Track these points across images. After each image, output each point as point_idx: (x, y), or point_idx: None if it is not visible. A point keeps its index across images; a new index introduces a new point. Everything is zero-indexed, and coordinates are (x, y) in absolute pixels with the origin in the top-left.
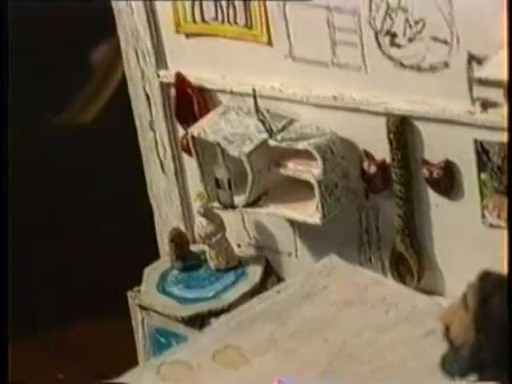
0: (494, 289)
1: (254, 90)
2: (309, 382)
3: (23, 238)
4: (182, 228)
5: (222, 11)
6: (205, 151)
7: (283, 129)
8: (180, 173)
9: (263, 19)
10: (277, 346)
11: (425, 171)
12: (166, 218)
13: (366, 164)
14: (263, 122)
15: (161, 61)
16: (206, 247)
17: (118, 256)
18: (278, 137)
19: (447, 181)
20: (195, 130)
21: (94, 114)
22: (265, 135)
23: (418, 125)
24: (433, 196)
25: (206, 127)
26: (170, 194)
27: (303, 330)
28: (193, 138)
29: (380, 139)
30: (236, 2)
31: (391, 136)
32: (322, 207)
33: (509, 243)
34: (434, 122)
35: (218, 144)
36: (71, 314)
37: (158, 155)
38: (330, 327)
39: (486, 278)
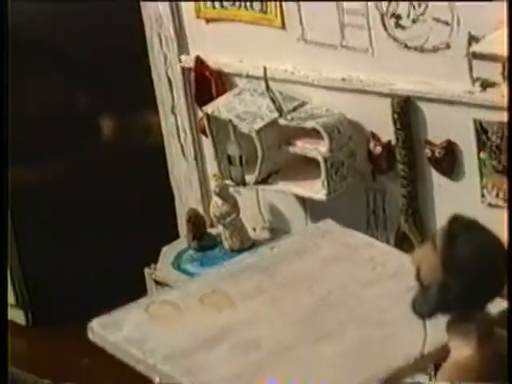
0: (460, 229)
1: (265, 68)
2: (289, 325)
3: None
4: (201, 210)
5: None
6: (219, 129)
7: (294, 110)
8: (199, 157)
9: (277, 4)
10: (263, 294)
11: (427, 151)
12: (186, 200)
13: (372, 145)
14: (273, 101)
15: (183, 46)
16: (221, 229)
17: (139, 237)
18: (288, 116)
19: (449, 161)
20: (210, 108)
21: None
22: (275, 114)
23: (421, 105)
24: (435, 176)
25: (221, 106)
26: (190, 178)
27: (290, 281)
28: (207, 116)
29: (385, 120)
30: None
31: (395, 116)
32: (328, 184)
33: (509, 222)
34: (436, 103)
35: (231, 121)
36: (94, 299)
37: (179, 139)
38: (317, 279)
39: (454, 220)
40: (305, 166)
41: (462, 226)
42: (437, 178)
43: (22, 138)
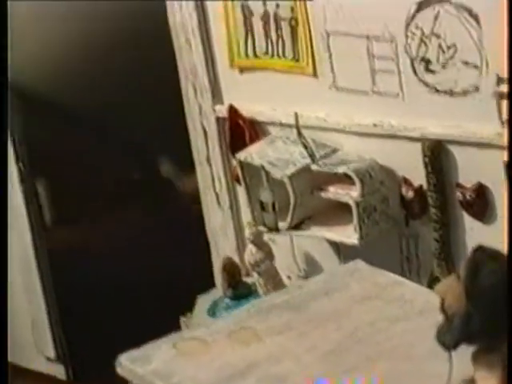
0: (484, 259)
1: (296, 114)
2: (316, 359)
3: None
4: (237, 259)
5: (272, 46)
6: (252, 176)
7: (326, 156)
8: (234, 205)
9: (309, 52)
10: (291, 330)
11: (459, 194)
12: (222, 249)
13: (404, 189)
14: (305, 147)
15: (217, 96)
16: (256, 277)
17: (176, 285)
18: (320, 162)
19: (480, 204)
20: (243, 155)
21: None
22: (308, 160)
23: (452, 148)
24: (467, 219)
25: (254, 153)
26: (225, 227)
27: (318, 318)
28: (240, 163)
29: (417, 165)
30: (285, 37)
31: (426, 160)
32: (360, 228)
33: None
34: (466, 145)
35: (263, 167)
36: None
37: (215, 189)
38: (345, 316)
39: (478, 250)
40: (337, 212)
41: (485, 256)
42: (469, 222)
43: (65, 201)
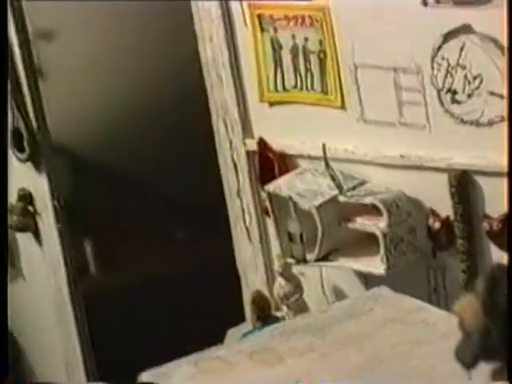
0: (502, 275)
1: (324, 146)
2: (338, 380)
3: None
4: (266, 293)
5: (301, 79)
6: (280, 208)
7: (354, 188)
8: (264, 239)
9: (337, 84)
10: (313, 351)
11: (485, 225)
12: (252, 282)
13: (431, 220)
14: (333, 178)
15: (247, 130)
16: (285, 310)
17: (206, 318)
18: (348, 194)
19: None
20: (271, 186)
21: None
22: (335, 192)
23: (478, 179)
24: (494, 250)
25: (282, 184)
26: (255, 260)
27: (341, 340)
28: (269, 194)
29: (444, 196)
30: (313, 70)
31: (453, 190)
32: (387, 259)
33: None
34: (493, 176)
35: (291, 198)
36: None
37: (245, 223)
38: (368, 339)
39: (497, 267)
40: (364, 243)
41: (503, 272)
42: (496, 252)
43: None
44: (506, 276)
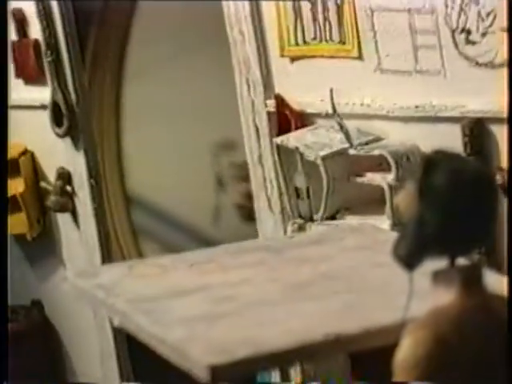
0: (441, 159)
1: (331, 90)
2: (277, 288)
3: None
4: None
5: (320, 30)
6: (287, 160)
7: (367, 143)
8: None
9: (354, 32)
10: (262, 265)
11: (498, 178)
12: None
13: None
14: (341, 126)
15: (269, 88)
16: None
17: None
18: (359, 147)
19: None
20: (280, 139)
21: None
22: (345, 145)
23: (492, 128)
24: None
25: (291, 137)
26: (276, 233)
27: (297, 259)
28: (277, 147)
29: (457, 149)
30: (331, 19)
31: (466, 140)
32: (393, 213)
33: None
34: (506, 123)
35: (297, 149)
36: None
37: (266, 192)
38: (327, 261)
39: (437, 151)
40: (374, 203)
41: (443, 156)
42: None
43: None
44: (444, 161)
